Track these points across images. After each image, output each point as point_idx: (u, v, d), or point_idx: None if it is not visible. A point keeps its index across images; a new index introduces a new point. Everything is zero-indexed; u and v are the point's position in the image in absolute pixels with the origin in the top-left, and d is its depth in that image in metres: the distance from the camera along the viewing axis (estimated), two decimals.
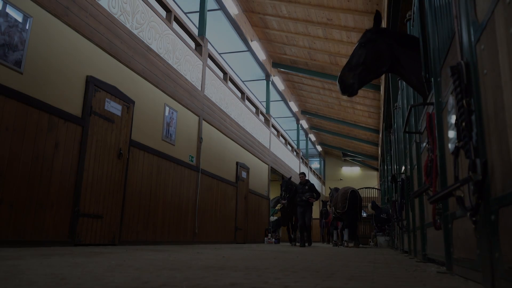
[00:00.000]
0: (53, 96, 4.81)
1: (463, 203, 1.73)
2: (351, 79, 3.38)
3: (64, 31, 5.07)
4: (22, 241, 4.28)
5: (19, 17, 4.39)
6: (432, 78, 2.73)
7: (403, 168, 5.68)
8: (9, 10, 4.27)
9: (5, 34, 4.22)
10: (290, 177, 11.64)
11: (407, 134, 4.87)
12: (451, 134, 2.09)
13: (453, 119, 2.00)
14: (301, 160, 21.57)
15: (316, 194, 10.26)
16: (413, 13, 3.98)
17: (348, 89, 3.38)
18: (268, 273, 2.14)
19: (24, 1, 4.47)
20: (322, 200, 14.67)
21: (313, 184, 10.36)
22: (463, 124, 1.71)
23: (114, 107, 5.91)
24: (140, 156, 6.57)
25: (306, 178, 10.66)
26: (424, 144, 3.23)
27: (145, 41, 6.86)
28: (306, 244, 10.55)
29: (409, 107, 3.33)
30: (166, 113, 7.49)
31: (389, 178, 8.12)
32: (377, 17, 3.46)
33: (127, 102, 6.24)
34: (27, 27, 4.48)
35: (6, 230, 4.10)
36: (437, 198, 1.87)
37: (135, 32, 6.58)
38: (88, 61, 5.48)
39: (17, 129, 4.27)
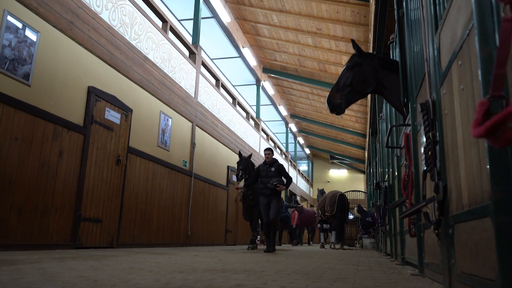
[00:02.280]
0: (57, 106, 5.08)
1: (429, 218, 2.09)
2: (339, 99, 3.72)
3: (68, 45, 5.34)
4: (29, 244, 4.54)
5: (27, 33, 4.65)
6: (410, 103, 3.10)
7: (386, 176, 6.06)
8: (19, 26, 4.53)
9: (15, 49, 4.48)
10: (251, 155, 8.62)
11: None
12: (423, 156, 2.45)
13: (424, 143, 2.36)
14: (289, 162, 21.96)
15: (287, 179, 7.13)
16: (396, 36, 4.35)
17: (336, 108, 3.73)
18: (264, 275, 2.48)
19: (32, 17, 4.73)
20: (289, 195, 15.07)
21: (282, 165, 7.23)
22: (429, 152, 2.08)
23: (113, 115, 6.18)
24: (137, 162, 6.85)
25: (273, 156, 7.38)
26: (403, 160, 3.60)
27: (142, 51, 7.15)
28: (277, 248, 8.85)
29: (389, 127, 3.69)
30: (162, 120, 7.78)
31: (374, 184, 8.52)
32: (354, 44, 3.82)
33: (126, 111, 6.51)
34: (35, 42, 4.75)
35: (15, 234, 4.35)
36: (407, 214, 2.23)
37: (133, 43, 6.86)
38: (90, 72, 5.75)
39: (25, 139, 4.53)
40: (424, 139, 2.19)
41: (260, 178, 7.17)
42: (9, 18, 4.40)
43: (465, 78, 1.58)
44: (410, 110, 3.08)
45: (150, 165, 7.30)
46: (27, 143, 4.56)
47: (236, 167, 8.44)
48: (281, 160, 20.11)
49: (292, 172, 22.63)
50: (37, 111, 4.71)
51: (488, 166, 1.22)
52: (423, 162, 2.35)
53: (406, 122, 3.31)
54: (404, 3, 3.33)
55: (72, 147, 5.28)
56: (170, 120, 8.10)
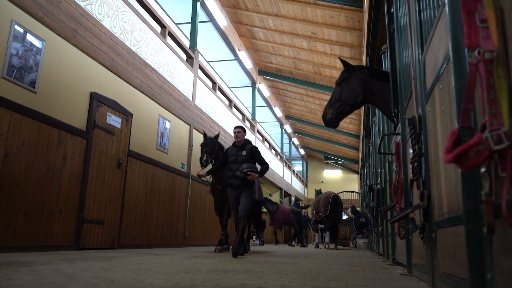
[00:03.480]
0: (61, 112, 5.24)
1: (415, 223, 2.30)
2: (330, 115, 3.96)
3: (72, 52, 5.50)
4: (35, 246, 4.71)
5: (33, 41, 4.81)
6: (400, 114, 3.32)
7: (379, 179, 6.29)
8: (26, 35, 4.69)
9: (22, 58, 4.64)
10: (218, 135, 7.21)
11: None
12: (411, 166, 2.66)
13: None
14: (284, 163, 22.19)
15: (262, 165, 5.73)
16: (387, 48, 4.56)
17: (329, 122, 3.96)
18: (265, 275, 2.68)
19: (38, 26, 4.90)
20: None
21: (256, 147, 5.84)
22: (416, 163, 2.29)
23: (114, 120, 6.35)
24: (137, 165, 7.02)
25: (246, 138, 5.91)
26: (394, 166, 3.82)
27: (142, 57, 7.32)
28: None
29: (381, 135, 3.91)
30: (161, 124, 7.95)
31: (367, 186, 8.75)
32: (341, 61, 4.06)
33: (126, 115, 6.69)
34: (40, 50, 4.91)
35: (21, 236, 4.52)
36: (395, 219, 2.44)
37: (133, 48, 7.03)
38: (92, 78, 5.92)
39: (32, 144, 4.70)
40: (411, 151, 2.40)
41: (228, 165, 5.75)
42: (17, 27, 4.56)
43: (445, 101, 1.79)
44: (400, 120, 3.30)
45: (150, 168, 7.47)
46: (33, 148, 4.72)
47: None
48: (277, 162, 20.32)
49: (286, 173, 22.86)
50: (43, 117, 4.87)
51: (460, 182, 1.43)
52: (411, 171, 2.56)
53: (396, 131, 3.53)
54: (395, 19, 3.55)
55: (76, 151, 5.45)
56: (168, 123, 8.28)
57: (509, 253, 1.07)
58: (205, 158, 6.48)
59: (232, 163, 5.69)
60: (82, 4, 5.70)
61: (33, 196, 4.69)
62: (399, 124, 3.39)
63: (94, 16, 5.97)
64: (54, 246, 5.02)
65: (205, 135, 6.98)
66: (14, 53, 4.53)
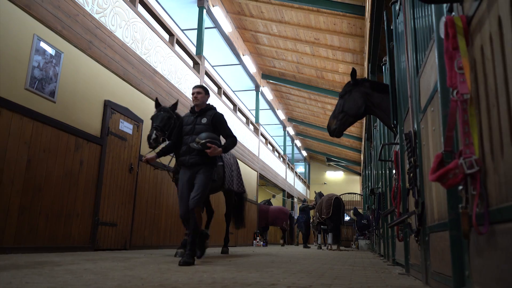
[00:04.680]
0: (78, 120, 5.53)
1: (411, 227, 2.57)
2: (334, 125, 4.23)
3: (87, 62, 5.79)
4: (54, 247, 4.99)
5: (53, 54, 5.10)
6: (398, 126, 3.58)
7: (380, 182, 6.55)
8: (46, 48, 4.98)
9: (43, 70, 4.93)
10: (176, 104, 5.42)
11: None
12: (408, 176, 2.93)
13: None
14: (287, 165, 22.45)
15: (229, 139, 4.33)
16: (387, 61, 4.83)
17: (333, 132, 4.23)
18: (275, 274, 2.95)
19: (57, 39, 5.18)
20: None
21: (222, 115, 4.42)
22: (411, 174, 2.56)
23: (126, 126, 6.64)
24: (147, 170, 7.31)
25: (208, 103, 4.50)
26: (394, 172, 4.08)
27: (152, 65, 7.60)
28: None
29: (381, 145, 4.17)
30: None
31: (369, 190, 9.01)
32: (352, 73, 4.31)
33: (137, 122, 6.97)
34: (59, 62, 5.20)
35: (43, 238, 4.80)
36: (393, 224, 2.71)
37: (143, 57, 7.32)
38: (106, 87, 6.20)
39: (52, 151, 4.98)
40: (408, 162, 2.67)
41: (183, 137, 4.33)
42: (39, 42, 4.85)
43: (435, 122, 2.06)
44: (399, 131, 3.56)
45: (158, 172, 7.75)
46: (53, 154, 5.01)
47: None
48: (280, 163, 20.61)
49: (289, 175, 23.13)
50: (61, 125, 5.16)
51: (446, 195, 1.70)
52: (407, 180, 2.83)
53: (395, 141, 3.79)
54: (394, 37, 3.82)
55: (91, 157, 5.73)
56: None
57: (480, 254, 1.34)
58: (154, 136, 4.83)
59: (186, 134, 4.27)
60: (96, 16, 5.99)
61: (53, 200, 4.98)
62: (398, 135, 3.66)
63: (108, 27, 6.26)
64: (72, 247, 5.30)
65: (157, 104, 5.27)
66: (36, 66, 4.81)
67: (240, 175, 7.02)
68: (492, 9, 1.23)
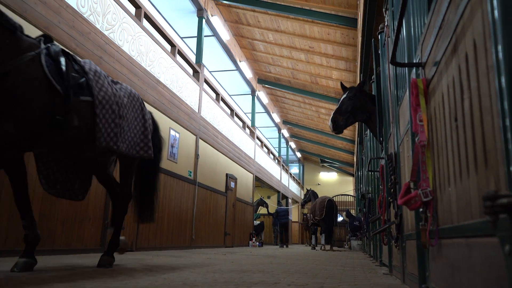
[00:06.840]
0: None
1: (392, 235, 3.03)
2: (341, 121, 4.66)
3: None
4: (70, 249, 5.41)
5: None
6: (384, 143, 4.05)
7: (370, 188, 7.03)
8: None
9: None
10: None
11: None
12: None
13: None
14: (282, 167, 22.93)
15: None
16: (374, 81, 5.29)
17: (338, 128, 4.66)
18: (276, 274, 3.40)
19: None
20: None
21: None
22: (392, 190, 3.02)
23: None
24: None
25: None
26: (380, 183, 4.55)
27: (155, 75, 8.02)
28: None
29: (369, 159, 4.64)
30: (171, 136, 8.66)
31: (360, 195, 9.50)
32: (342, 86, 4.79)
33: None
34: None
35: (59, 241, 5.22)
36: (376, 232, 3.17)
37: (148, 68, 7.74)
38: None
39: None
40: (390, 179, 3.13)
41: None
42: None
43: (410, 150, 2.52)
44: (384, 147, 4.03)
45: (162, 177, 8.17)
46: None
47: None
48: (275, 165, 21.10)
49: (284, 176, 23.62)
50: None
51: (414, 213, 2.16)
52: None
53: (382, 155, 4.26)
54: (380, 63, 4.28)
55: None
56: (178, 135, 8.99)
57: (434, 260, 1.80)
58: None
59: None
60: (106, 33, 6.40)
61: (68, 206, 5.39)
62: (384, 151, 4.13)
63: (116, 43, 6.67)
64: (84, 249, 5.72)
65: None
66: None
67: (147, 128, 4.02)
68: (442, 77, 1.68)
